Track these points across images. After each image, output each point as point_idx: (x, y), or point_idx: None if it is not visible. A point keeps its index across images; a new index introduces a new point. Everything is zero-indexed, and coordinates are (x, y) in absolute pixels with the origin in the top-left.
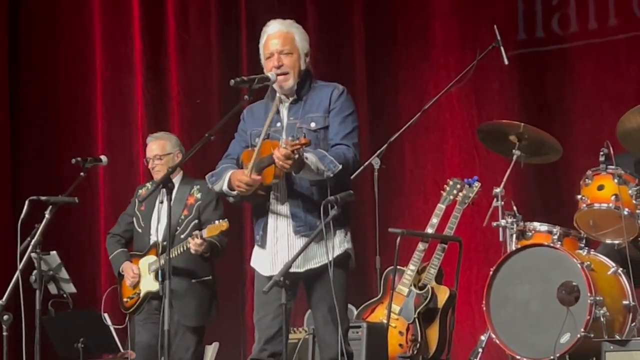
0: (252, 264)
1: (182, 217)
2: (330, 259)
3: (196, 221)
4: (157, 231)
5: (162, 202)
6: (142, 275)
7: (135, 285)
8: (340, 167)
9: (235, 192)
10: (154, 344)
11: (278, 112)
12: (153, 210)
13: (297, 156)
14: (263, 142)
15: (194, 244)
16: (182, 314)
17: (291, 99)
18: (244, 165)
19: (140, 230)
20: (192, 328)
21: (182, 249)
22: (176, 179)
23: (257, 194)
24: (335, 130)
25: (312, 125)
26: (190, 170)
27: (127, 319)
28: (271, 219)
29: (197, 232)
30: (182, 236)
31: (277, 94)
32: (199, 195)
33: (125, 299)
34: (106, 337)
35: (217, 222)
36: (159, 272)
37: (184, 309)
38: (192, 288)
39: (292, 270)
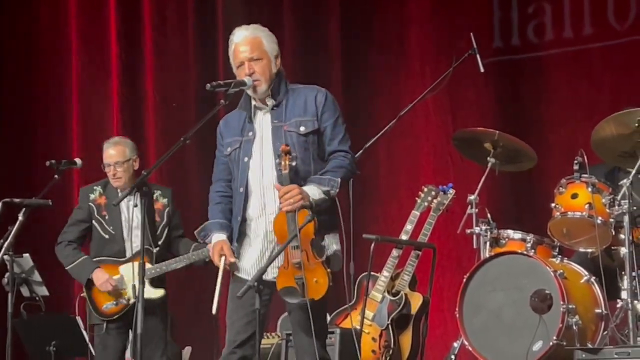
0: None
1: (156, 223)
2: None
3: (168, 227)
4: (134, 236)
5: (136, 206)
6: (129, 282)
7: (118, 292)
8: (339, 180)
9: None
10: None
11: (251, 120)
12: (120, 216)
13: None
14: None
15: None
16: (158, 322)
17: (270, 104)
18: None
19: (107, 236)
20: (165, 334)
21: (186, 262)
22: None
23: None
24: (330, 136)
25: (302, 129)
26: (166, 174)
27: (105, 325)
28: (254, 230)
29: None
30: (160, 242)
31: (254, 102)
32: (164, 201)
33: (105, 305)
34: (78, 341)
35: None
36: (151, 279)
37: (162, 315)
38: (166, 296)
39: None
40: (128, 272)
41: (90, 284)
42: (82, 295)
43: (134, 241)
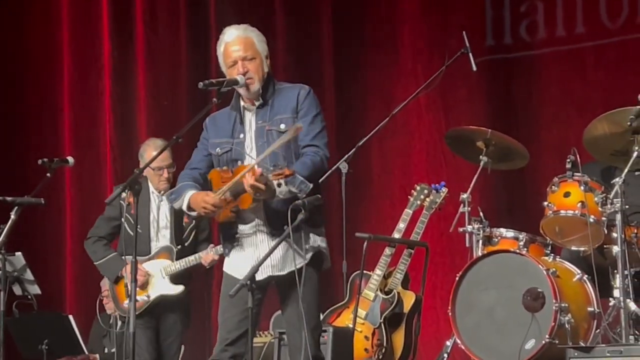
0: (226, 269)
1: (184, 224)
2: (305, 261)
3: (196, 229)
4: (161, 236)
5: (159, 208)
6: (154, 278)
7: (143, 287)
8: (311, 185)
9: (195, 213)
10: (153, 343)
11: (242, 122)
12: (149, 216)
13: (264, 186)
14: (240, 166)
15: (211, 261)
16: (178, 319)
17: (257, 103)
18: (212, 185)
19: (133, 233)
20: (180, 338)
21: (196, 261)
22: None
23: (226, 214)
24: (305, 131)
25: (282, 126)
26: None
27: (113, 321)
28: (244, 229)
29: (215, 247)
30: (186, 244)
31: (242, 103)
32: None
33: (125, 302)
34: (70, 339)
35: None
36: (172, 276)
37: (182, 314)
38: (187, 293)
39: (274, 273)
40: (155, 269)
41: (116, 280)
42: (105, 295)
43: (160, 240)
